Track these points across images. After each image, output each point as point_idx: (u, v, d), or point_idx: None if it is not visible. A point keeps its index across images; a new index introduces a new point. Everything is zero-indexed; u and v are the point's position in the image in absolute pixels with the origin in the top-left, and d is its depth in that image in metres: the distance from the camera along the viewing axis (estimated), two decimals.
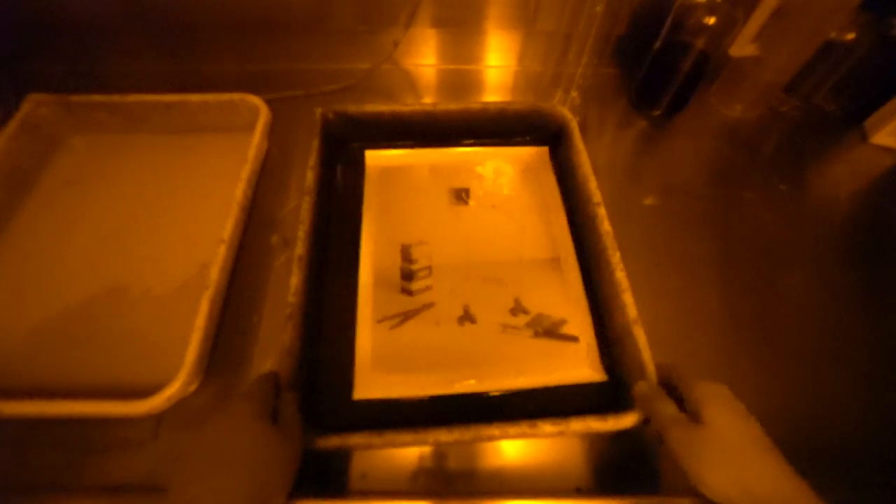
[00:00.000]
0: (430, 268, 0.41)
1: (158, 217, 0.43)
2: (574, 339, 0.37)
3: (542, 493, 0.33)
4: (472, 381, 0.35)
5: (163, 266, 0.40)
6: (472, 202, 0.45)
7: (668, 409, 0.28)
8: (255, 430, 0.25)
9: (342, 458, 0.34)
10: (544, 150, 0.49)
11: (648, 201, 0.48)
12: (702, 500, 0.25)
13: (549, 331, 0.38)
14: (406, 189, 0.46)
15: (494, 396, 0.35)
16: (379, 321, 0.38)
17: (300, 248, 0.36)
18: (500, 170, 0.48)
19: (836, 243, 0.46)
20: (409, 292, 0.39)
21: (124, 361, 0.36)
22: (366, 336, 0.37)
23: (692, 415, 0.27)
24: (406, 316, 0.38)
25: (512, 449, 0.34)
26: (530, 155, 0.49)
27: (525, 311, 0.39)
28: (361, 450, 0.34)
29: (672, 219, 0.47)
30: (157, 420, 0.34)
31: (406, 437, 0.29)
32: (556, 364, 0.36)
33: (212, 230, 0.38)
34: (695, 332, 0.40)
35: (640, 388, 0.31)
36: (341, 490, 0.32)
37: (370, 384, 0.35)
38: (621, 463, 0.34)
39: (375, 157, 0.47)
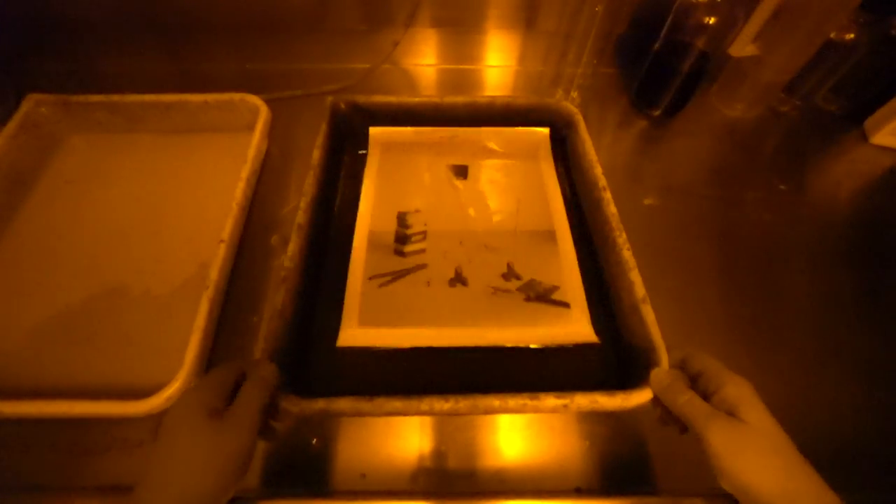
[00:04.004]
0: (424, 233, 0.41)
1: (158, 217, 0.43)
2: (565, 304, 0.37)
3: (543, 494, 0.32)
4: (459, 336, 0.35)
5: (163, 266, 0.40)
6: (470, 178, 0.46)
7: (702, 406, 0.26)
8: (185, 430, 0.24)
9: (341, 458, 0.33)
10: (545, 131, 0.49)
11: (648, 201, 0.48)
12: (724, 499, 0.25)
13: (541, 296, 0.38)
14: (406, 163, 0.46)
15: (483, 355, 0.34)
16: (370, 278, 0.38)
17: (300, 217, 0.37)
18: (500, 150, 0.48)
19: (836, 243, 0.46)
20: (402, 254, 0.40)
21: (124, 361, 0.35)
22: (355, 291, 0.37)
23: (724, 410, 0.25)
24: (397, 275, 0.38)
25: (512, 449, 0.34)
26: (530, 136, 0.49)
27: (517, 277, 0.39)
28: (349, 416, 0.33)
29: (672, 219, 0.47)
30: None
31: (397, 403, 0.28)
32: (546, 325, 0.36)
33: (212, 230, 0.38)
34: (695, 331, 0.39)
35: (658, 376, 0.29)
36: (341, 490, 0.32)
37: (355, 334, 0.35)
38: (621, 463, 0.34)
39: (379, 133, 0.48)
